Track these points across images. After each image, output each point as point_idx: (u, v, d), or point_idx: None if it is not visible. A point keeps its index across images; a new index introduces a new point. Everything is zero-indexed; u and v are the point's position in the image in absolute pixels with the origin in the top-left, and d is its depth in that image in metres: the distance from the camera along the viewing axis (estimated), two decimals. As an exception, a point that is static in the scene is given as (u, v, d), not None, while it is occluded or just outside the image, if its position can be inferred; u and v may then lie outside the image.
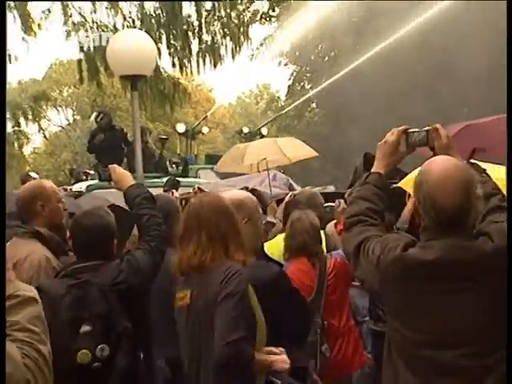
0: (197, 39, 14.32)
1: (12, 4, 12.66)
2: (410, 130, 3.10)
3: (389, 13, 18.51)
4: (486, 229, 2.75)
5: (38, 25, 13.51)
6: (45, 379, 1.96)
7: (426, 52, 21.65)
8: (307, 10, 16.82)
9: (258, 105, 48.29)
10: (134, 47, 7.40)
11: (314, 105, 31.28)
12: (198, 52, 14.44)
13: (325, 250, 5.08)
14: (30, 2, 13.20)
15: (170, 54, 14.24)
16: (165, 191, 8.28)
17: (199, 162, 16.81)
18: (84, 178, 13.06)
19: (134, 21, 13.74)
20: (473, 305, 2.66)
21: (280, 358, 3.06)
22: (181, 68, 14.72)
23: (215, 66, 14.69)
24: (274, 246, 4.83)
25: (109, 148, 13.32)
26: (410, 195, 5.22)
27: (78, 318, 3.38)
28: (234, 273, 2.98)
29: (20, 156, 23.54)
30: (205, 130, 19.58)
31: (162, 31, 13.84)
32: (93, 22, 13.76)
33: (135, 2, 13.74)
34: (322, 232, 5.11)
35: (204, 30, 14.22)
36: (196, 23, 14.12)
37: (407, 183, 4.91)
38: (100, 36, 13.35)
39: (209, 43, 14.37)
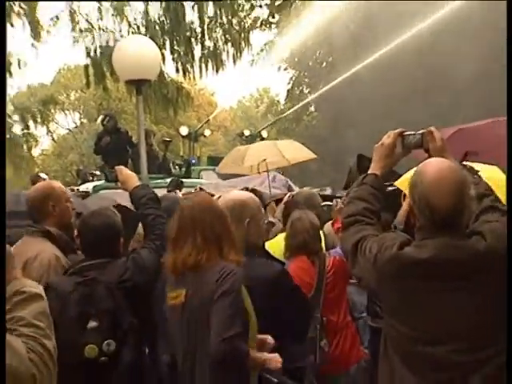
0: (199, 45, 14.34)
1: (22, 11, 12.68)
2: (406, 133, 3.10)
3: (386, 19, 18.49)
4: (479, 228, 2.75)
5: (47, 31, 13.52)
6: (49, 373, 1.96)
7: (424, 57, 21.60)
8: (306, 17, 16.84)
9: (259, 108, 48.29)
10: (138, 53, 7.41)
11: (312, 108, 31.28)
12: (201, 57, 14.45)
13: (324, 249, 5.08)
14: (38, 10, 13.21)
15: (173, 59, 14.25)
16: (168, 191, 8.27)
17: (201, 163, 16.80)
18: (90, 178, 13.05)
19: (138, 27, 13.75)
20: (466, 303, 2.66)
21: (273, 357, 3.05)
22: (184, 73, 14.73)
23: (217, 71, 14.71)
24: (275, 245, 4.82)
25: (114, 150, 13.34)
26: (405, 196, 5.23)
27: (86, 313, 3.39)
28: (228, 272, 2.98)
29: (29, 157, 23.55)
30: (207, 132, 19.58)
31: (166, 37, 13.85)
32: (99, 28, 13.75)
33: (140, 10, 13.75)
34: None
35: (206, 37, 14.24)
36: (199, 30, 14.13)
37: (403, 183, 4.92)
38: (106, 42, 13.38)
39: (211, 49, 14.38)
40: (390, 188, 5.01)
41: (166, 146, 14.74)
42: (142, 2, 13.71)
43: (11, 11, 12.58)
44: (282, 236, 5.06)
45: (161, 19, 13.73)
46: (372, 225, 2.93)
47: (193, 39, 14.16)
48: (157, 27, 13.67)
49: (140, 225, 4.23)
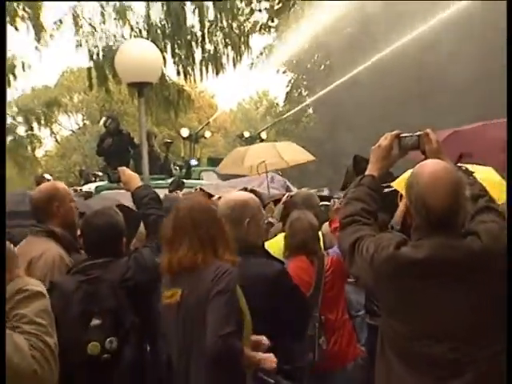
0: (200, 48, 14.34)
1: (26, 15, 12.68)
2: (403, 135, 3.11)
3: (384, 23, 18.49)
4: (474, 228, 2.75)
5: (51, 35, 13.52)
6: (51, 369, 1.96)
7: (422, 61, 21.57)
8: (304, 22, 16.86)
9: (258, 110, 48.28)
10: (140, 56, 7.41)
11: (310, 110, 31.30)
12: (201, 61, 14.45)
13: (322, 248, 5.07)
14: (42, 14, 13.22)
15: (174, 62, 14.25)
16: (170, 192, 8.28)
17: (202, 164, 16.78)
18: (93, 179, 13.04)
19: (140, 31, 13.75)
20: (462, 302, 2.66)
21: (268, 357, 3.04)
22: (185, 76, 14.73)
23: (217, 74, 14.72)
24: (275, 245, 4.82)
25: (117, 151, 13.36)
26: (401, 196, 5.23)
27: (89, 312, 3.39)
28: (224, 271, 2.98)
29: (33, 158, 23.56)
30: (207, 134, 19.54)
31: (167, 41, 13.85)
32: (102, 32, 13.77)
33: (142, 14, 13.76)
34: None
35: (207, 40, 14.24)
36: (199, 33, 14.13)
37: (399, 183, 4.92)
38: (109, 45, 13.39)
39: (211, 52, 14.39)
40: (386, 189, 5.01)
41: (167, 147, 14.74)
42: (143, 7, 13.72)
43: (16, 15, 12.59)
44: (281, 236, 5.06)
45: (162, 23, 13.74)
46: (369, 225, 2.93)
47: (193, 43, 14.16)
48: (158, 31, 13.67)
49: (142, 224, 4.23)
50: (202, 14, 13.87)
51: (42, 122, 22.02)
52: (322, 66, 29.48)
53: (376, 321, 4.79)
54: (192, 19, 13.94)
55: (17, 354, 1.86)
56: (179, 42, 13.96)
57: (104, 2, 13.39)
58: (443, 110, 18.28)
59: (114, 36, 13.72)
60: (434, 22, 16.81)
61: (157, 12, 13.69)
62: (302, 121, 31.45)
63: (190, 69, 14.43)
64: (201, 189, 7.92)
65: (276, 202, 7.20)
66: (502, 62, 3.70)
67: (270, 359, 3.04)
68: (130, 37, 13.41)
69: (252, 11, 15.32)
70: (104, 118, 15.27)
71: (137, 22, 13.84)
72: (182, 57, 14.19)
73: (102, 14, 13.59)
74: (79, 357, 3.30)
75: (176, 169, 14.15)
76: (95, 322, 3.37)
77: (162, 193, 5.26)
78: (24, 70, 14.40)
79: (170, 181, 10.60)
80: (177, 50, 14.08)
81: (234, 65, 14.74)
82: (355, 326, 5.29)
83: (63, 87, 39.78)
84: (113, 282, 3.46)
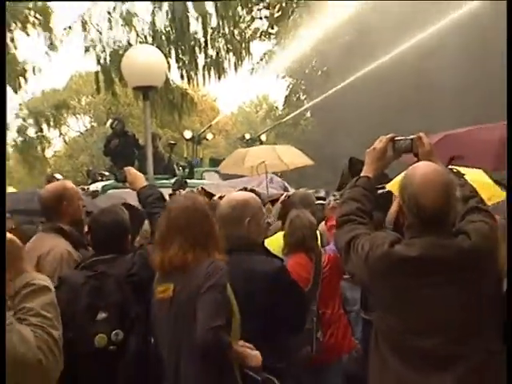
0: (203, 54, 14.34)
1: (37, 22, 12.69)
2: (397, 138, 3.12)
3: (382, 31, 18.45)
4: (464, 228, 2.76)
5: (60, 40, 13.53)
6: (55, 360, 1.97)
7: (419, 70, 21.52)
8: (303, 29, 16.87)
9: (258, 114, 48.24)
10: (146, 61, 7.42)
11: (308, 114, 31.29)
12: (204, 65, 14.44)
13: (320, 246, 5.08)
14: (52, 20, 13.22)
15: (178, 67, 14.25)
16: (173, 191, 8.28)
17: (204, 165, 16.76)
18: (100, 178, 13.02)
19: (146, 37, 13.75)
20: (452, 298, 2.67)
21: (255, 354, 3.02)
22: (188, 80, 14.72)
23: (219, 79, 14.70)
24: (274, 242, 4.82)
25: (122, 152, 13.36)
26: (395, 196, 5.25)
27: (96, 305, 3.40)
28: (215, 268, 2.98)
29: (42, 158, 23.57)
30: (209, 136, 19.54)
31: (172, 47, 13.85)
32: (109, 38, 13.77)
33: (147, 21, 13.76)
34: (314, 229, 5.11)
35: (209, 46, 14.23)
36: (202, 40, 14.13)
37: (393, 186, 4.93)
38: (115, 51, 13.39)
39: (213, 58, 14.38)
40: (380, 191, 5.02)
41: (170, 148, 14.74)
42: (149, 14, 13.73)
43: (27, 21, 12.61)
44: (280, 234, 5.07)
45: (167, 29, 13.73)
46: (364, 224, 2.94)
47: (197, 48, 14.16)
48: (163, 37, 13.67)
49: (146, 222, 4.24)
50: (204, 21, 13.87)
51: (52, 123, 22.03)
52: (320, 72, 29.48)
53: (371, 316, 4.81)
54: (195, 26, 13.95)
55: (23, 345, 1.88)
56: (183, 47, 13.96)
57: (111, 10, 13.39)
58: (441, 116, 18.22)
59: (121, 42, 13.71)
60: (432, 30, 16.77)
61: (162, 19, 13.70)
62: (301, 124, 31.41)
63: (193, 73, 14.43)
64: (202, 188, 7.92)
65: (273, 201, 7.21)
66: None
67: (256, 356, 3.01)
68: (136, 43, 13.41)
69: (253, 19, 15.35)
70: (110, 120, 15.26)
71: (142, 29, 13.85)
72: (186, 62, 14.18)
73: (110, 21, 13.58)
74: (87, 348, 3.32)
75: (179, 169, 14.14)
76: (102, 315, 3.38)
77: (165, 192, 5.27)
78: (34, 74, 14.41)
79: (173, 180, 10.60)
80: (181, 56, 14.08)
81: (236, 70, 14.74)
82: (350, 320, 5.30)
83: (72, 90, 39.77)
84: (119, 277, 3.47)
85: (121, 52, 12.46)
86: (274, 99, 44.24)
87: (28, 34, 13.02)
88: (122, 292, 3.46)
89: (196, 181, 11.86)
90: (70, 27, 13.56)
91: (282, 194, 7.28)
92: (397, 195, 4.20)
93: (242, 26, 14.79)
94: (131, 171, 4.16)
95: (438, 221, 2.70)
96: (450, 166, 3.23)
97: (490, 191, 5.47)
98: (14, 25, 12.60)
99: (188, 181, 10.58)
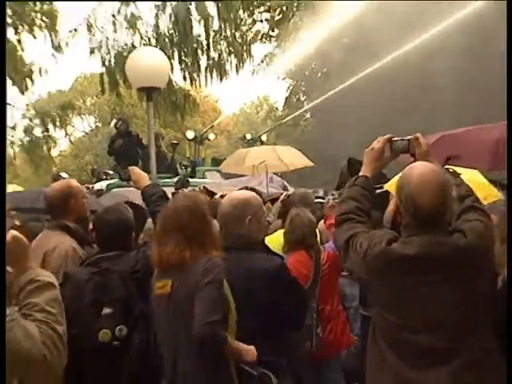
0: (205, 56, 14.31)
1: (43, 24, 12.69)
2: (394, 139, 3.12)
3: (382, 33, 18.41)
4: (460, 226, 2.76)
5: (66, 43, 13.52)
6: (59, 355, 1.97)
7: (423, 71, 21.44)
8: (303, 31, 16.87)
9: (259, 114, 48.21)
10: (149, 63, 7.42)
11: (308, 115, 31.28)
12: (206, 67, 14.42)
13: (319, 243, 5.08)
14: (58, 23, 13.23)
15: (181, 69, 14.22)
16: (176, 190, 8.28)
17: (206, 164, 16.79)
18: (104, 177, 13.03)
19: (149, 39, 13.73)
20: (448, 295, 2.67)
21: (250, 349, 3.02)
22: (191, 81, 14.70)
23: (221, 80, 14.68)
24: (274, 240, 4.82)
25: (126, 151, 13.37)
26: (392, 196, 5.25)
27: (100, 301, 3.40)
28: (213, 264, 2.98)
29: (48, 158, 23.51)
30: (211, 136, 19.56)
31: (175, 49, 13.82)
32: (114, 40, 13.76)
33: (151, 23, 13.75)
34: (313, 228, 5.11)
35: (211, 48, 14.22)
36: (204, 42, 14.11)
37: (391, 186, 4.92)
38: (120, 53, 13.39)
39: (216, 60, 14.36)
40: (378, 190, 5.02)
41: (173, 148, 14.75)
42: (153, 17, 13.72)
43: (34, 24, 12.60)
44: (280, 232, 5.07)
45: (170, 32, 13.72)
46: (363, 223, 2.94)
47: (199, 51, 14.14)
48: (166, 39, 13.65)
49: (149, 220, 4.24)
50: (207, 24, 13.85)
51: (57, 123, 21.96)
52: (319, 74, 29.47)
53: (369, 311, 4.81)
54: (198, 29, 13.93)
55: (28, 340, 1.88)
56: (186, 49, 13.94)
57: (116, 13, 13.39)
58: (443, 117, 18.14)
59: (125, 44, 13.70)
60: (434, 31, 16.68)
61: (165, 22, 13.68)
62: (300, 124, 31.41)
63: (195, 75, 14.41)
64: (204, 187, 7.92)
65: (273, 200, 7.21)
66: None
67: (251, 351, 3.02)
68: (140, 45, 13.38)
69: (254, 22, 15.34)
70: (115, 121, 15.26)
71: (146, 31, 13.82)
72: (189, 64, 14.16)
73: (114, 24, 13.57)
74: (91, 343, 3.33)
75: (182, 168, 14.14)
76: (106, 310, 3.38)
77: (168, 191, 5.27)
78: (41, 75, 14.37)
79: (175, 179, 10.61)
80: (183, 58, 14.06)
81: (237, 71, 14.72)
82: (349, 316, 5.30)
83: (77, 91, 39.78)
84: (123, 273, 3.47)
85: (125, 54, 12.44)
86: (275, 100, 44.23)
87: (35, 37, 13.01)
88: (126, 288, 3.46)
89: (198, 180, 11.88)
90: (75, 30, 13.54)
91: (281, 194, 7.29)
92: (394, 195, 4.19)
93: (244, 28, 14.77)
94: (135, 170, 4.16)
95: (434, 220, 2.70)
96: (446, 166, 3.23)
97: (485, 191, 5.47)
98: (21, 27, 12.59)
99: (190, 180, 10.60)
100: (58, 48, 13.39)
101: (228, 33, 14.18)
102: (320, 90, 22.58)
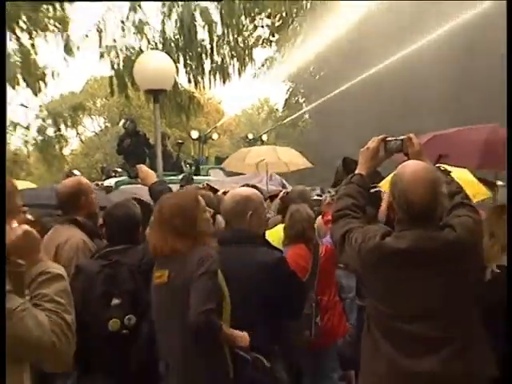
0: (209, 60, 14.28)
1: (56, 30, 12.68)
2: (388, 139, 3.12)
3: (379, 39, 18.38)
4: (450, 222, 2.77)
5: (77, 47, 13.50)
6: (68, 342, 1.99)
7: (421, 75, 21.38)
8: (301, 37, 16.87)
9: (260, 115, 48.19)
10: (156, 66, 7.41)
11: (306, 116, 31.28)
12: (210, 71, 14.39)
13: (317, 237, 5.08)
14: (70, 28, 13.22)
15: (186, 72, 14.19)
16: (181, 187, 8.27)
17: (209, 163, 16.77)
18: (113, 174, 13.02)
19: (156, 44, 13.70)
20: (439, 287, 2.68)
21: (243, 335, 3.03)
22: (195, 84, 14.67)
23: (224, 83, 14.64)
24: (274, 234, 4.83)
25: (134, 150, 13.37)
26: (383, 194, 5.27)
27: (110, 292, 3.41)
28: (207, 255, 2.99)
29: (60, 156, 23.55)
30: (215, 136, 19.56)
31: (180, 53, 13.80)
32: (122, 44, 13.76)
33: (158, 29, 13.73)
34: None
35: (215, 52, 14.18)
36: (208, 46, 14.09)
37: (385, 184, 4.92)
38: (128, 57, 13.39)
39: (219, 63, 14.33)
40: (372, 190, 5.03)
41: (178, 147, 14.77)
42: (159, 23, 13.70)
43: (46, 29, 12.59)
44: (280, 226, 5.07)
45: (176, 37, 13.69)
46: (358, 218, 2.95)
47: (203, 55, 14.10)
48: (172, 44, 13.63)
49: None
50: (210, 30, 13.83)
51: (69, 124, 21.97)
52: (317, 77, 29.46)
53: (365, 302, 4.82)
54: (202, 34, 13.89)
55: (38, 329, 1.90)
56: (190, 54, 13.92)
57: (124, 19, 13.37)
58: (442, 118, 18.04)
59: (133, 48, 13.68)
60: (433, 36, 16.57)
61: (171, 27, 13.66)
62: (299, 125, 31.44)
63: (199, 78, 14.38)
64: (207, 184, 7.92)
65: (272, 197, 7.23)
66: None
67: (244, 337, 3.03)
68: (147, 49, 13.36)
69: (255, 27, 15.29)
70: (123, 121, 15.27)
71: (153, 36, 13.79)
72: (193, 67, 14.14)
73: (123, 29, 13.55)
74: (101, 332, 3.34)
75: (186, 166, 14.15)
76: (115, 301, 3.39)
77: (174, 187, 5.27)
78: (53, 78, 14.34)
79: (180, 177, 10.61)
80: (188, 61, 14.03)
81: (239, 75, 14.68)
82: (345, 306, 5.31)
83: (88, 93, 39.81)
84: (131, 266, 3.48)
85: (133, 58, 12.42)
86: (275, 102, 44.19)
87: (47, 41, 13.01)
88: (135, 280, 3.47)
89: (202, 177, 11.87)
90: (86, 35, 13.54)
91: (280, 191, 7.29)
92: (387, 192, 4.20)
93: (246, 34, 14.73)
94: (143, 168, 4.17)
95: (425, 215, 2.71)
96: (437, 165, 3.24)
97: (474, 189, 5.48)
98: (34, 32, 12.58)
99: (194, 177, 10.60)
100: (69, 52, 13.37)
101: (231, 38, 14.17)
102: (318, 93, 22.59)
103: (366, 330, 2.88)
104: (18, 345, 1.89)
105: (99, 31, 13.54)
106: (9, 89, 13.77)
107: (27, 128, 20.67)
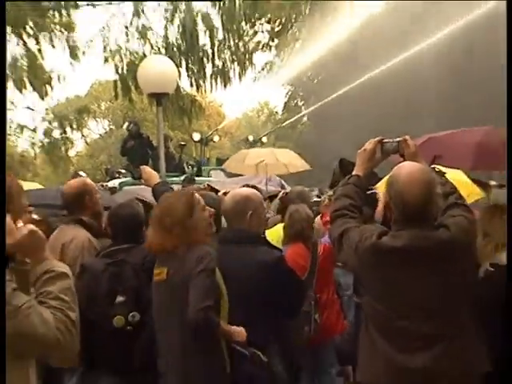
0: (210, 64, 14.28)
1: (62, 35, 12.70)
2: (385, 140, 3.12)
3: (374, 47, 18.36)
4: (444, 221, 2.77)
5: (83, 52, 13.53)
6: (72, 338, 1.99)
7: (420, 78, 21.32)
8: (300, 42, 16.87)
9: (260, 118, 48.16)
10: (159, 70, 7.43)
11: (305, 118, 31.30)
12: (211, 74, 14.39)
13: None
14: (76, 34, 13.25)
15: (188, 76, 14.19)
16: (183, 187, 8.27)
17: (211, 164, 16.78)
18: (117, 176, 13.02)
19: (159, 49, 13.71)
20: (433, 286, 2.69)
21: (240, 330, 3.03)
22: (197, 87, 14.67)
23: (225, 86, 14.64)
24: (274, 233, 4.83)
25: (138, 152, 13.40)
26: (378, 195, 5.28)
27: (114, 290, 3.41)
28: (205, 254, 2.98)
29: (66, 158, 23.55)
30: (216, 138, 19.54)
31: (182, 57, 13.79)
32: (126, 49, 13.77)
33: (161, 34, 13.74)
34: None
35: (216, 57, 14.18)
36: (210, 51, 14.09)
37: (381, 185, 4.92)
38: (132, 61, 13.40)
39: (220, 67, 14.33)
40: (368, 191, 5.03)
41: (181, 149, 14.78)
42: (162, 28, 13.71)
43: (53, 35, 12.62)
44: (280, 226, 5.07)
45: (178, 42, 13.69)
46: (355, 218, 2.95)
47: (205, 59, 14.10)
48: (174, 49, 13.63)
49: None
50: (212, 35, 13.84)
51: (74, 126, 21.98)
52: (316, 80, 29.47)
53: (362, 299, 4.82)
54: (204, 39, 13.90)
55: (43, 326, 1.90)
56: (192, 58, 13.92)
57: (128, 24, 13.39)
58: (442, 120, 17.95)
59: (137, 53, 13.69)
60: (433, 40, 16.45)
61: (173, 32, 13.67)
62: (298, 127, 31.47)
63: (201, 81, 14.38)
64: (208, 185, 7.92)
65: (271, 197, 7.23)
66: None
67: (241, 332, 3.03)
68: (150, 54, 13.37)
69: (255, 32, 15.27)
70: (127, 124, 15.29)
71: (156, 41, 13.80)
72: (195, 71, 14.14)
73: (126, 34, 13.56)
74: (106, 328, 3.34)
75: (188, 167, 14.16)
76: (120, 298, 3.39)
77: (176, 188, 5.27)
78: (59, 82, 14.37)
79: (182, 177, 10.61)
80: (190, 66, 14.02)
81: (240, 78, 14.67)
82: (343, 304, 5.31)
83: (92, 97, 39.78)
84: (135, 264, 3.48)
85: (137, 62, 12.42)
86: (274, 105, 44.17)
87: (54, 46, 13.01)
88: (138, 278, 3.47)
89: (203, 178, 11.87)
90: (91, 40, 13.57)
91: (279, 191, 7.29)
92: (383, 193, 4.20)
93: (246, 39, 14.72)
94: (146, 170, 4.17)
95: (421, 215, 2.71)
96: (432, 166, 3.24)
97: (468, 189, 5.48)
98: (41, 38, 12.59)
99: (196, 178, 10.61)
100: (75, 57, 13.39)
101: (231, 43, 14.17)
102: (316, 96, 22.62)
103: (363, 327, 2.88)
104: (23, 341, 1.90)
105: (104, 36, 13.56)
106: (16, 92, 13.82)
107: (34, 130, 20.71)
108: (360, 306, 4.80)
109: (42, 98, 14.41)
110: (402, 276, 2.69)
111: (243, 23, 14.09)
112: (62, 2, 12.14)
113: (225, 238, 3.48)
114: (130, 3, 13.32)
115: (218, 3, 13.12)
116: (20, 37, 12.25)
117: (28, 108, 18.59)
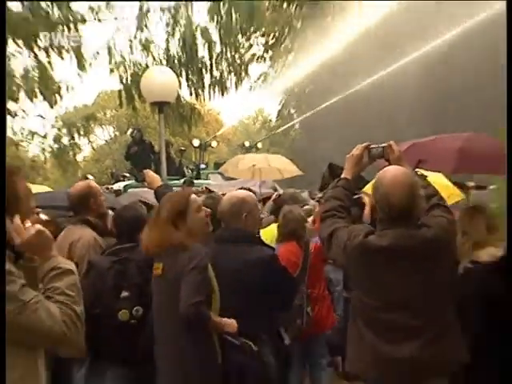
0: (209, 74, 14.33)
1: (70, 48, 12.69)
2: (371, 146, 3.13)
3: (370, 58, 18.35)
4: (427, 221, 2.78)
5: (89, 63, 13.54)
6: (77, 332, 1.99)
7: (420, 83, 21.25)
8: (292, 54, 16.90)
9: (255, 125, 48.17)
10: (161, 80, 7.41)
11: (297, 126, 31.31)
12: (210, 84, 14.43)
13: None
14: (83, 47, 13.23)
15: (188, 85, 14.22)
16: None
17: (209, 168, 16.77)
18: (122, 179, 13.01)
19: (161, 60, 13.74)
20: (417, 281, 2.70)
21: (231, 322, 3.02)
22: (196, 96, 14.71)
23: (222, 95, 14.68)
24: (268, 233, 4.83)
25: (141, 157, 13.40)
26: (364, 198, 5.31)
27: (119, 286, 3.40)
28: (198, 251, 2.98)
29: (74, 162, 23.51)
30: (214, 144, 19.48)
31: (183, 68, 13.83)
32: (130, 61, 13.79)
33: (162, 47, 13.78)
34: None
35: (214, 68, 14.23)
36: (208, 63, 14.13)
37: (369, 188, 4.93)
38: (135, 72, 13.42)
39: (218, 78, 14.36)
40: (356, 195, 5.04)
41: (181, 154, 14.79)
42: (164, 41, 13.75)
43: (62, 48, 12.59)
44: (273, 226, 5.07)
45: (178, 54, 13.73)
46: (344, 218, 2.96)
47: (203, 70, 14.14)
48: (175, 60, 13.66)
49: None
50: (210, 48, 13.88)
51: (82, 133, 21.96)
52: (307, 90, 29.50)
53: (351, 294, 4.82)
54: (202, 51, 13.96)
55: (50, 319, 1.90)
56: (192, 69, 13.95)
57: (132, 38, 13.43)
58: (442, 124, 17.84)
59: (140, 64, 13.72)
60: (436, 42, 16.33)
61: (174, 45, 13.72)
62: (291, 134, 31.49)
63: (200, 91, 14.41)
64: (206, 187, 7.92)
65: (265, 199, 7.22)
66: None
67: (232, 324, 3.01)
68: (153, 65, 13.39)
69: (251, 45, 15.32)
70: (131, 130, 15.30)
71: (158, 54, 13.85)
72: (194, 81, 14.17)
73: (131, 47, 13.62)
74: (112, 322, 3.33)
75: (188, 171, 14.17)
76: (124, 294, 3.39)
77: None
78: (68, 92, 14.37)
79: (183, 181, 10.60)
80: (190, 76, 14.05)
81: (236, 88, 14.73)
82: (333, 299, 5.31)
83: (99, 105, 39.70)
84: (138, 262, 3.47)
85: (140, 73, 12.45)
86: (269, 113, 44.11)
87: (63, 58, 13.01)
88: (142, 274, 3.45)
89: (202, 181, 11.87)
90: (97, 52, 13.59)
91: (273, 193, 7.29)
92: (370, 196, 4.21)
93: (242, 51, 14.76)
94: (149, 173, 4.17)
95: (405, 216, 2.72)
96: (415, 169, 3.25)
97: (448, 191, 5.49)
98: (51, 50, 12.58)
99: (195, 181, 10.60)
100: (82, 68, 13.39)
101: (228, 55, 14.22)
102: (308, 105, 22.64)
103: (351, 320, 2.89)
104: (31, 334, 1.90)
105: (109, 49, 13.57)
106: (28, 101, 13.80)
107: (44, 137, 20.65)
108: (349, 300, 4.82)
109: (52, 107, 14.39)
110: (387, 272, 2.70)
111: (239, 36, 14.12)
112: (71, 17, 12.12)
113: (221, 237, 3.48)
114: (134, 19, 13.32)
115: (216, 18, 13.12)
116: (31, 50, 12.22)
117: (39, 116, 18.54)
